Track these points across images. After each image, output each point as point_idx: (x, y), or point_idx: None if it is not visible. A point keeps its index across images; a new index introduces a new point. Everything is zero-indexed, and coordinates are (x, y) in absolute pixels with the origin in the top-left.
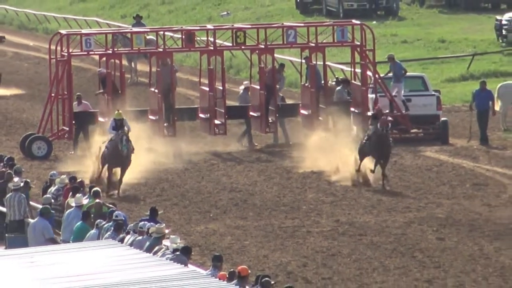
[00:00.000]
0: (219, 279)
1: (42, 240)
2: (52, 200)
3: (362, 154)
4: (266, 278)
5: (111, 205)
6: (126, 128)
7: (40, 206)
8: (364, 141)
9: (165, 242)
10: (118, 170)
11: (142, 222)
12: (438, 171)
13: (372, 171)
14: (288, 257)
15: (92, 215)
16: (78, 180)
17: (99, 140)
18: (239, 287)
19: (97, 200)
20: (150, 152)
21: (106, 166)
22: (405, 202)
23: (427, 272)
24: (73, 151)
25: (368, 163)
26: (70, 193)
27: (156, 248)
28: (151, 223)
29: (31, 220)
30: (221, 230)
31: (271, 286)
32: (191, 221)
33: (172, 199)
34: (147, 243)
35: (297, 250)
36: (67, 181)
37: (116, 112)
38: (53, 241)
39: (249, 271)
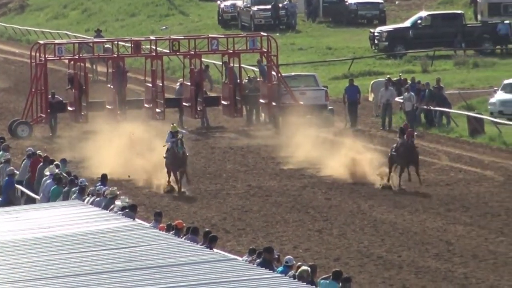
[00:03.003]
0: (159, 230)
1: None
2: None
3: (391, 162)
4: (212, 235)
5: (65, 175)
6: (180, 135)
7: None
8: (393, 151)
9: (117, 202)
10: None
11: (99, 186)
12: (328, 148)
13: (401, 176)
14: (212, 213)
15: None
16: (44, 155)
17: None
18: (176, 236)
19: (56, 171)
20: (107, 132)
21: (171, 172)
22: (301, 171)
23: (318, 224)
24: (51, 134)
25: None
26: (41, 164)
27: (112, 206)
28: (107, 187)
29: None
30: (161, 192)
31: (216, 240)
32: (138, 186)
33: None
34: (103, 203)
35: (219, 208)
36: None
37: (172, 125)
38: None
39: (184, 224)
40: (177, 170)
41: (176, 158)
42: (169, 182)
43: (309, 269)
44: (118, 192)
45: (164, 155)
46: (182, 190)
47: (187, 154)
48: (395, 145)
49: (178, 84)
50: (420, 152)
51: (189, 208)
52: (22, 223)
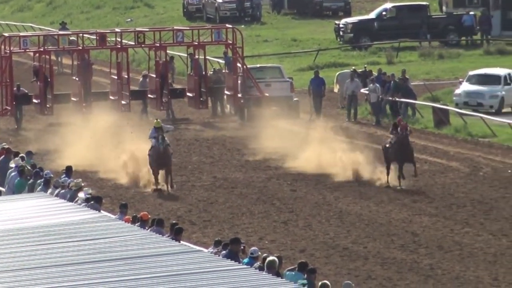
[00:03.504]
0: (125, 222)
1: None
2: None
3: (388, 160)
4: (178, 226)
5: (29, 168)
6: (164, 131)
7: None
8: (387, 146)
9: (80, 194)
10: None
11: (64, 178)
12: (293, 139)
13: (400, 177)
14: (177, 205)
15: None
16: (7, 147)
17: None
18: (141, 228)
19: (22, 163)
20: (72, 124)
21: (153, 170)
22: (266, 162)
23: (283, 216)
24: (16, 126)
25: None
26: (3, 156)
27: (77, 198)
28: (71, 179)
29: None
30: (127, 184)
31: (182, 232)
32: (103, 178)
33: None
34: (68, 195)
35: (184, 199)
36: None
37: (155, 121)
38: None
39: (149, 216)
40: (159, 169)
41: (158, 154)
42: (156, 182)
43: (276, 259)
44: (82, 184)
45: (148, 152)
46: (168, 189)
47: (171, 151)
48: (389, 140)
49: (142, 76)
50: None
51: (155, 200)
52: None
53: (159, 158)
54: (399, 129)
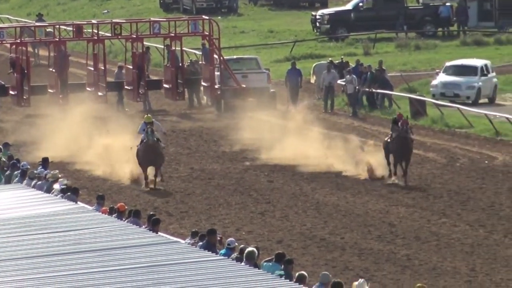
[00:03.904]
0: (102, 213)
1: None
2: None
3: (387, 152)
4: (155, 217)
5: (4, 159)
6: (153, 126)
7: None
8: (388, 141)
9: (55, 185)
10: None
11: (41, 169)
12: (270, 130)
13: (394, 172)
14: (154, 196)
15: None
16: None
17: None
18: (118, 219)
19: None
20: (48, 117)
21: (142, 166)
22: (243, 153)
23: (260, 207)
24: None
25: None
26: None
27: (53, 189)
28: (48, 171)
29: None
30: (103, 176)
31: (159, 223)
32: (80, 169)
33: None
34: (45, 186)
35: (162, 191)
36: None
37: (146, 116)
38: None
39: (126, 207)
40: (148, 164)
41: (148, 146)
42: (146, 179)
43: (255, 250)
44: (60, 176)
45: (137, 145)
46: (157, 186)
47: (163, 145)
48: (390, 134)
49: (117, 67)
50: (362, 134)
51: (132, 191)
52: None
53: (149, 150)
54: (399, 123)
